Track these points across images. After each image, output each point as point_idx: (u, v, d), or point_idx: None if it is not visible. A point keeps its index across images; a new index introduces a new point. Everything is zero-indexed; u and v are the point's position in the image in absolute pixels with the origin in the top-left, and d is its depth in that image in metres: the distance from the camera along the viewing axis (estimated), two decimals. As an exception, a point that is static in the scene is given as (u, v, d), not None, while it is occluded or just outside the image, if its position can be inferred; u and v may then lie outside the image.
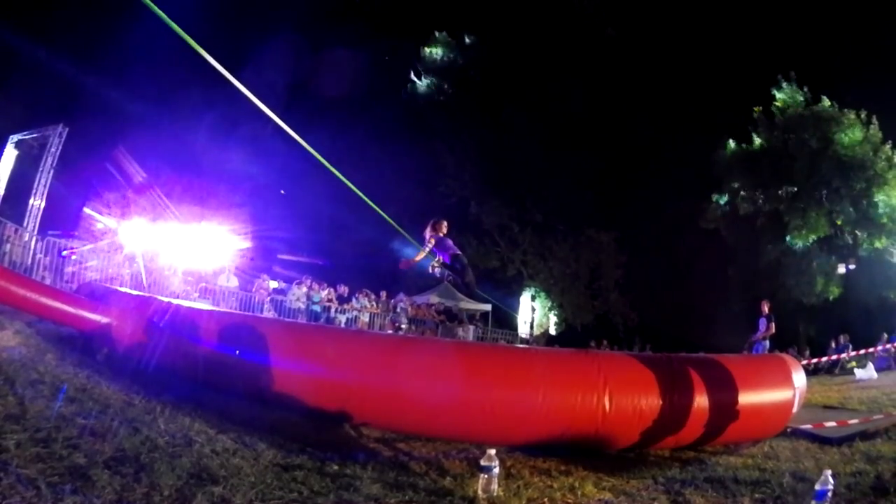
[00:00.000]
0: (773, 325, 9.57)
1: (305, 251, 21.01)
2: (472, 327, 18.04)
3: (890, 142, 17.16)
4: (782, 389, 4.08)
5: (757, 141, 19.84)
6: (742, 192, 19.98)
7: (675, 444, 3.89)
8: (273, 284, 14.62)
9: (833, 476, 2.65)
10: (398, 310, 15.99)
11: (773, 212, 19.32)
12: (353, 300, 14.82)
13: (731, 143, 20.24)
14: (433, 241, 6.45)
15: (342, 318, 14.05)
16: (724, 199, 20.55)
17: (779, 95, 19.19)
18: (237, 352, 4.28)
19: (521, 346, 10.33)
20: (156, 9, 3.62)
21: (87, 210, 12.86)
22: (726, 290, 20.88)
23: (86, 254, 10.89)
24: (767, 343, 9.58)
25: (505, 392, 3.72)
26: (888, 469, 3.35)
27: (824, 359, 12.52)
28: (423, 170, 24.52)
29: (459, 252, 6.56)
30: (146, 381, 4.10)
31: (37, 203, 11.31)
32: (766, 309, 9.71)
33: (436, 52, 27.18)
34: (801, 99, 18.72)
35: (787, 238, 18.82)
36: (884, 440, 4.19)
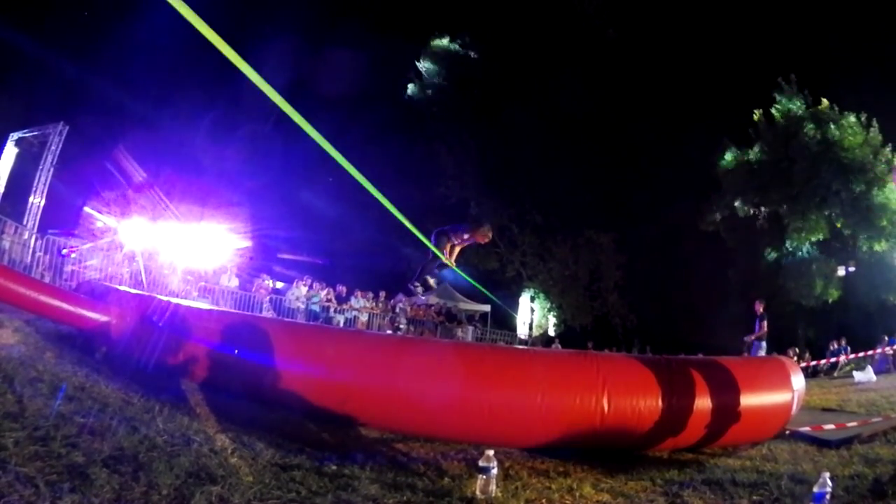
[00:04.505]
0: (766, 324, 9.52)
1: (305, 250, 21.00)
2: (470, 328, 18.05)
3: (890, 144, 17.16)
4: (781, 392, 4.09)
5: (757, 143, 19.84)
6: (742, 195, 19.97)
7: (674, 446, 3.89)
8: (277, 284, 14.62)
9: (831, 479, 2.65)
10: (397, 310, 15.98)
11: (773, 214, 19.32)
12: (352, 300, 14.82)
13: (732, 146, 20.23)
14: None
15: (340, 319, 14.05)
16: (723, 202, 20.54)
17: (779, 98, 19.19)
18: (236, 351, 4.28)
19: (520, 347, 10.31)
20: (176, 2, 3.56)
21: (86, 209, 12.84)
22: (726, 292, 20.89)
23: (85, 252, 10.87)
24: (764, 344, 9.55)
25: (504, 393, 3.72)
26: (886, 472, 3.35)
27: (823, 361, 12.53)
28: (422, 170, 24.50)
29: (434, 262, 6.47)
30: (145, 380, 4.09)
31: (37, 201, 11.31)
32: (759, 309, 9.69)
33: (436, 53, 27.14)
34: (802, 102, 18.72)
35: (787, 240, 18.82)
36: (882, 443, 4.19)
